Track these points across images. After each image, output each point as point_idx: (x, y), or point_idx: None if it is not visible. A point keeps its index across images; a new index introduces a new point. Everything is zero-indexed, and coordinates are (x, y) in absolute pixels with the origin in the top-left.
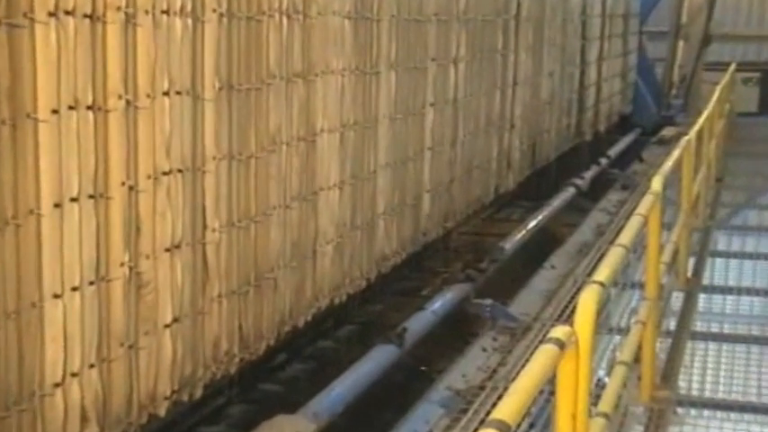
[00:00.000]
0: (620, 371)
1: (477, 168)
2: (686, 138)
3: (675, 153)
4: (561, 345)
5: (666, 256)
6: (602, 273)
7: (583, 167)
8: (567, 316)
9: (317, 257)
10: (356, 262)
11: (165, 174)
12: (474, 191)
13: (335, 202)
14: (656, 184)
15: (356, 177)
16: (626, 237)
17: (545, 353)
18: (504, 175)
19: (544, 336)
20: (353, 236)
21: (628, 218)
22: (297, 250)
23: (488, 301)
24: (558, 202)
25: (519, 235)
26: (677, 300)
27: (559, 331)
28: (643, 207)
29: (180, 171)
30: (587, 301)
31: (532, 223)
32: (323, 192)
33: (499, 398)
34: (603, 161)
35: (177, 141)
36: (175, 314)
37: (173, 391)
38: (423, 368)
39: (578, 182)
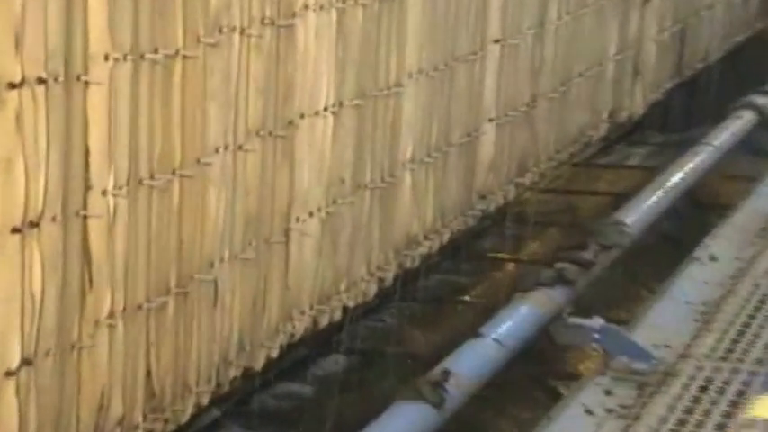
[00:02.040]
0: None
1: (580, 77)
2: None
3: None
4: None
5: None
6: None
7: None
8: (742, 350)
9: (290, 243)
10: (361, 250)
11: (12, 87)
12: (573, 118)
13: (326, 139)
14: None
15: (364, 95)
16: None
17: None
18: (627, 89)
19: (705, 388)
20: (357, 202)
21: None
22: (255, 229)
23: (597, 322)
24: (722, 137)
25: (650, 200)
26: None
27: None
28: None
29: (42, 82)
30: None
31: (675, 177)
32: (304, 120)
33: None
34: None
35: (37, 25)
36: (27, 352)
37: None
38: None
39: (760, 101)
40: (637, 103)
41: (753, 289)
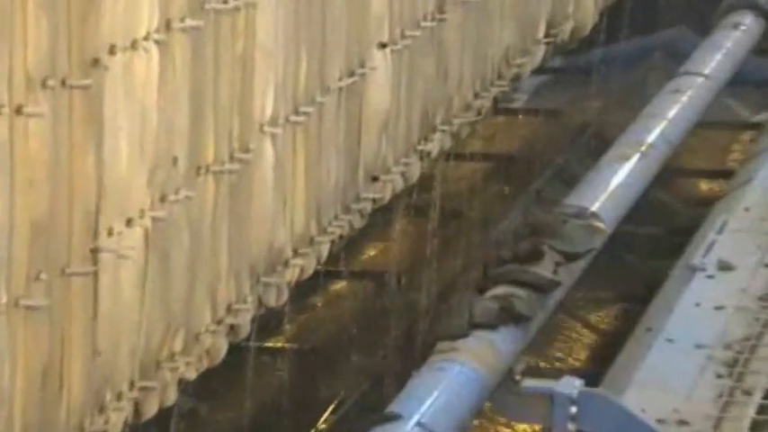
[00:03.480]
0: None
1: None
2: None
3: None
4: None
5: None
6: None
7: None
8: None
9: (100, 273)
10: (203, 279)
11: None
12: (496, 37)
13: (150, 87)
14: None
15: (200, 9)
16: None
17: None
18: None
19: None
20: (197, 198)
21: None
22: (44, 252)
23: (572, 384)
24: (714, 61)
25: (620, 172)
26: None
27: None
28: None
29: None
30: None
31: (653, 132)
32: (116, 58)
33: None
34: None
35: None
36: None
37: None
38: None
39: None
40: (586, 11)
41: None
